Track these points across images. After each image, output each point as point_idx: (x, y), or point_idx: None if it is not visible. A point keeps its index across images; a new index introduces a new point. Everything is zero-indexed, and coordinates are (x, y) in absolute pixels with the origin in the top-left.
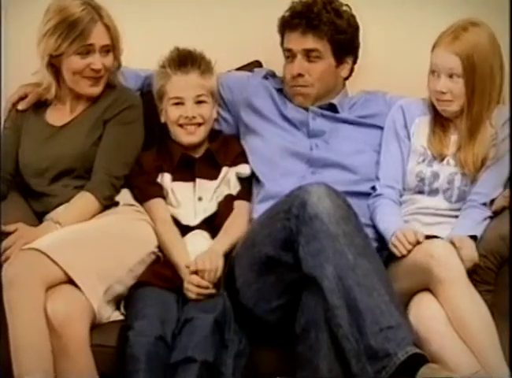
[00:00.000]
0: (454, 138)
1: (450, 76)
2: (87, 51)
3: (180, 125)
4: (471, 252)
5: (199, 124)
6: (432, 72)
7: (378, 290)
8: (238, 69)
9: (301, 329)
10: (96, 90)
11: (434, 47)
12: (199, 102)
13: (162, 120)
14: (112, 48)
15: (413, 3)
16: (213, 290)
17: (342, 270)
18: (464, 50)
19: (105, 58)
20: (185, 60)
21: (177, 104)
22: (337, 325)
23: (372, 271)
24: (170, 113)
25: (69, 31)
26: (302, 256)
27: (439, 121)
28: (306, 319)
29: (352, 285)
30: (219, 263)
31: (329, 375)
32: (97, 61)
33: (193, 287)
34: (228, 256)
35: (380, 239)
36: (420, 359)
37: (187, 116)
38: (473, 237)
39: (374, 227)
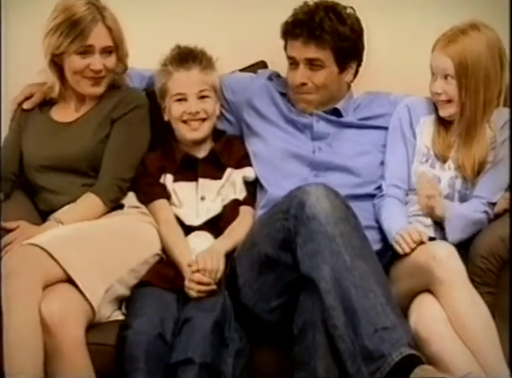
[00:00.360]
0: (455, 140)
1: (445, 78)
2: (87, 51)
3: (184, 121)
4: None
5: (203, 120)
6: (432, 74)
7: (374, 291)
8: (243, 70)
9: (298, 330)
10: (97, 90)
11: (432, 50)
12: (202, 98)
13: (166, 118)
14: (115, 50)
15: (416, 4)
16: (214, 287)
17: (338, 271)
18: (457, 52)
19: (106, 59)
20: (186, 56)
21: (180, 100)
22: (333, 326)
23: (368, 272)
24: (173, 110)
25: (70, 29)
26: (299, 256)
27: (443, 122)
28: (303, 320)
29: (348, 286)
30: (220, 262)
31: (326, 375)
32: (97, 61)
33: (194, 284)
34: (230, 256)
35: (385, 240)
36: (414, 360)
37: (191, 112)
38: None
39: (378, 228)
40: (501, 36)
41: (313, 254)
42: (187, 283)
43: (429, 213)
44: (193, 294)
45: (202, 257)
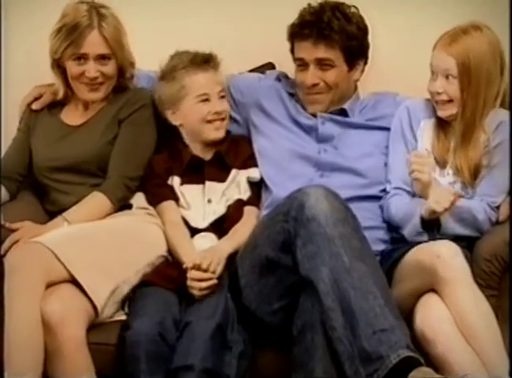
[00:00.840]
0: (453, 143)
1: (447, 77)
2: (81, 58)
3: (208, 121)
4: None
5: (223, 119)
6: (432, 73)
7: (373, 293)
8: (251, 71)
9: (297, 331)
10: (95, 96)
11: (433, 49)
12: (222, 97)
13: (177, 122)
14: (113, 57)
15: (417, 3)
16: (215, 281)
17: (337, 273)
18: (460, 52)
19: (103, 66)
20: (204, 59)
21: (204, 100)
22: (331, 328)
23: (367, 274)
24: (198, 111)
25: (66, 35)
26: (299, 258)
27: (442, 125)
28: (302, 321)
29: (347, 288)
30: (221, 263)
31: (324, 377)
32: (91, 69)
33: (195, 282)
34: (233, 257)
35: (391, 241)
36: (413, 362)
37: (216, 112)
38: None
39: (384, 229)
40: (501, 36)
41: (312, 256)
42: (188, 282)
43: (421, 188)
44: (196, 292)
45: (202, 256)
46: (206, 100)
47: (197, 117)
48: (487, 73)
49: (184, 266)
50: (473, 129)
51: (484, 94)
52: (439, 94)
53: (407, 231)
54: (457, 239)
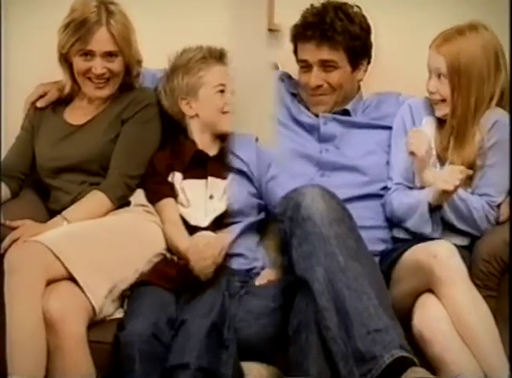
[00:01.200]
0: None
1: (439, 77)
2: (88, 54)
3: (224, 113)
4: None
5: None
6: (429, 72)
7: (368, 293)
8: None
9: (293, 331)
10: (101, 93)
11: (429, 48)
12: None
13: (193, 112)
14: (121, 54)
15: (418, 3)
16: (219, 260)
17: (332, 273)
18: (451, 51)
19: (110, 63)
20: (220, 53)
21: (220, 92)
22: (326, 327)
23: (363, 274)
24: (215, 101)
25: (74, 31)
26: (294, 258)
27: (441, 123)
28: (297, 321)
29: (342, 288)
30: (222, 252)
31: (318, 377)
32: (98, 65)
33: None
34: None
35: (392, 240)
36: (406, 362)
37: (231, 103)
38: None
39: (384, 228)
40: (501, 36)
41: (307, 256)
42: (191, 257)
43: (418, 167)
44: (201, 264)
45: (205, 242)
46: (222, 91)
47: (214, 108)
48: (478, 74)
49: (185, 246)
50: (466, 129)
51: (475, 95)
52: (432, 93)
53: (412, 222)
54: (458, 237)
